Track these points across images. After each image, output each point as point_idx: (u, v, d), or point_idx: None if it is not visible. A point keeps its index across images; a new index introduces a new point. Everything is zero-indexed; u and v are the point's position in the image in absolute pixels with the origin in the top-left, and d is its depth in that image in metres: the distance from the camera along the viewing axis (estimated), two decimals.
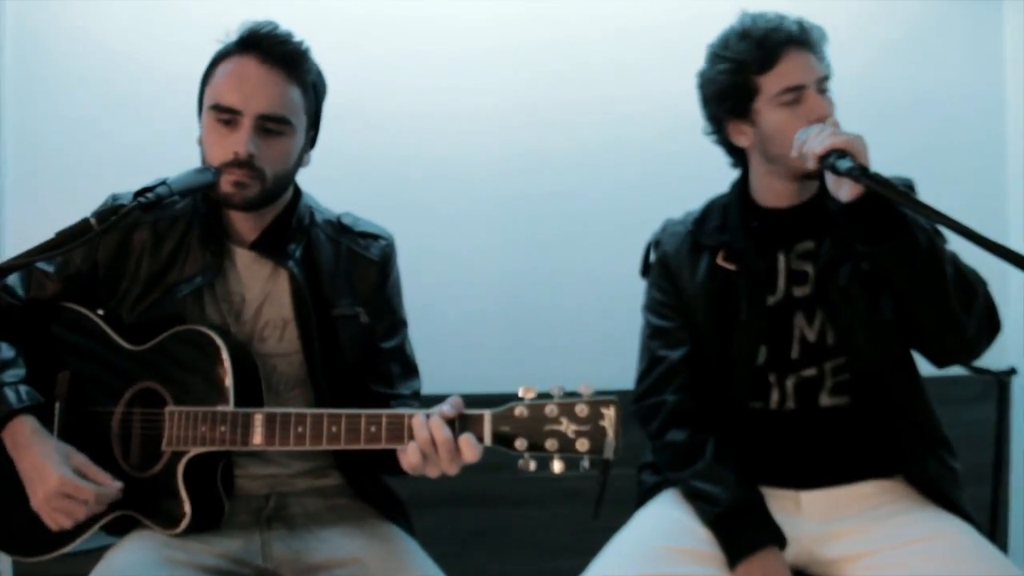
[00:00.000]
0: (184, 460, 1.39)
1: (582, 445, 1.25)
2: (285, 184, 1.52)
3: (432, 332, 2.29)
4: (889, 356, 1.54)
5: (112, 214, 1.20)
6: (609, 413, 1.25)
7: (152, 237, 1.51)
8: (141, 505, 1.43)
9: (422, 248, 2.28)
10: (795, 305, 1.60)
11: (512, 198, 2.39)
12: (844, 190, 1.39)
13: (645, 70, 2.37)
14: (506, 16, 2.35)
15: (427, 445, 1.26)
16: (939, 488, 1.51)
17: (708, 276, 1.64)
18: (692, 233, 1.69)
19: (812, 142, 1.41)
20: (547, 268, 2.40)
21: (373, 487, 1.59)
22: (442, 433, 1.26)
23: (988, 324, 1.46)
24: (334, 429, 1.33)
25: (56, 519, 1.37)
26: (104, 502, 1.38)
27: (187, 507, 1.39)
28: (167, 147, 2.11)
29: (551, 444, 1.25)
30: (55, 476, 1.35)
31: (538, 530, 2.32)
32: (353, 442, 1.33)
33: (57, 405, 1.48)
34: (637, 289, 1.77)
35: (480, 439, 1.27)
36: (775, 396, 1.60)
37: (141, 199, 1.25)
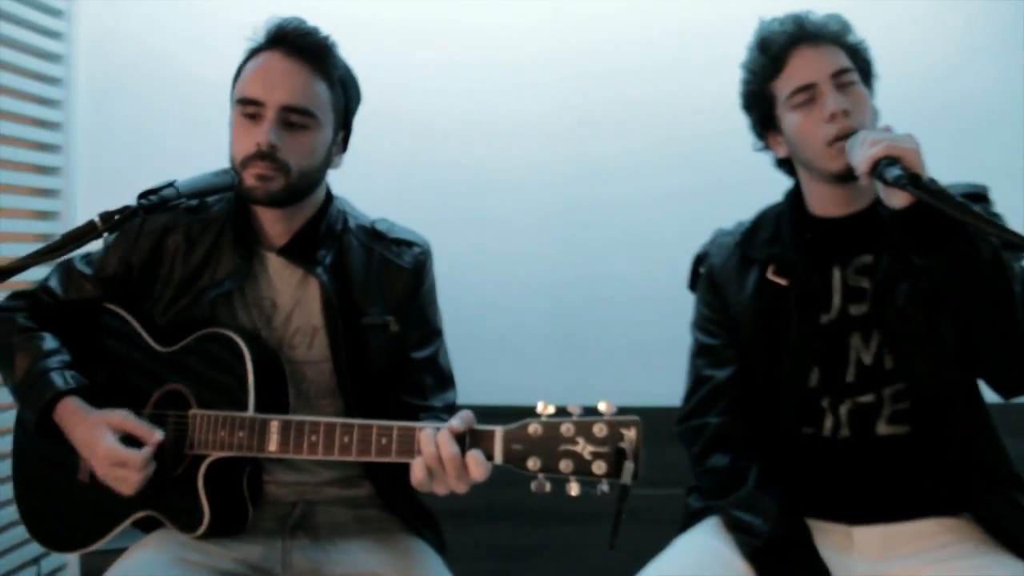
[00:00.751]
0: (205, 464, 1.39)
1: (599, 468, 1.18)
2: (312, 181, 1.49)
3: (479, 342, 2.29)
4: (951, 384, 1.40)
5: (117, 215, 1.20)
6: (629, 434, 1.18)
7: (185, 241, 1.52)
8: (164, 506, 1.43)
9: (469, 256, 2.29)
10: (851, 324, 1.48)
11: (560, 205, 2.33)
12: (895, 197, 1.27)
13: (695, 71, 2.26)
14: (551, 21, 2.29)
15: (433, 461, 1.22)
16: (1008, 529, 1.36)
17: (757, 291, 1.53)
18: (741, 245, 1.59)
19: (856, 154, 1.29)
20: (596, 276, 2.31)
21: (402, 499, 1.55)
22: (449, 449, 1.21)
23: None
24: (346, 440, 1.31)
25: (120, 488, 1.38)
26: (148, 459, 1.36)
27: (206, 510, 1.38)
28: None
29: (565, 465, 1.19)
30: (101, 449, 1.37)
31: (586, 550, 2.23)
32: (364, 454, 1.30)
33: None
34: (690, 299, 1.68)
35: (490, 457, 1.22)
36: (828, 422, 1.48)
37: (143, 201, 1.24)
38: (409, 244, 1.59)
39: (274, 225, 1.51)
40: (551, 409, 1.21)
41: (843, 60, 1.45)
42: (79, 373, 1.46)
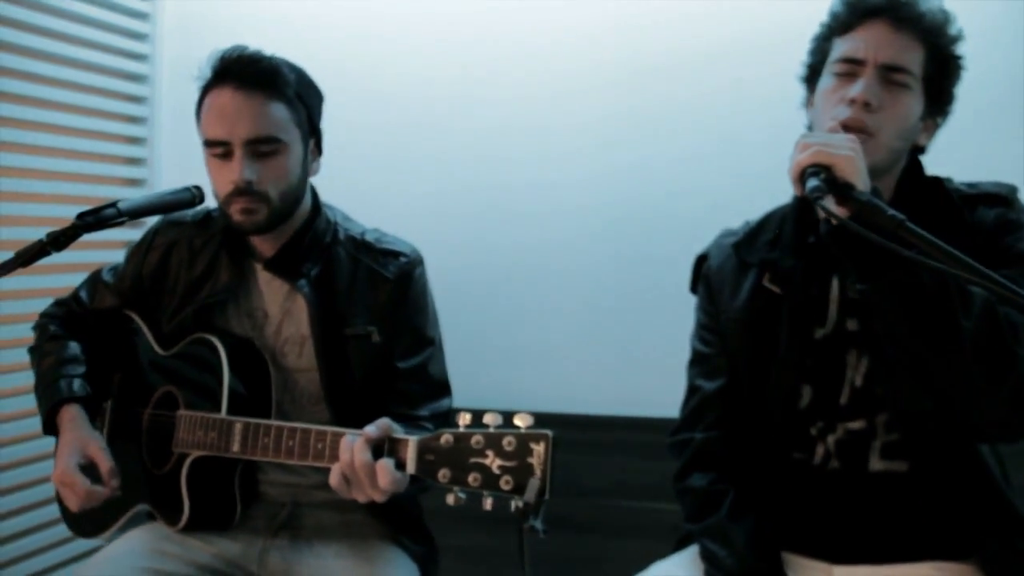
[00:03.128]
0: (187, 461, 1.47)
1: (506, 483, 1.14)
2: (295, 200, 1.54)
3: (513, 348, 2.28)
4: (941, 415, 1.22)
5: (62, 235, 1.29)
6: (539, 449, 1.13)
7: (188, 254, 1.62)
8: (155, 500, 1.53)
9: (504, 261, 2.29)
10: (848, 341, 1.33)
11: (611, 210, 2.25)
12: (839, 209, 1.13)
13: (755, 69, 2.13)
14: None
15: (348, 467, 1.23)
16: None
17: (750, 299, 1.41)
18: (738, 247, 1.47)
19: (792, 159, 1.15)
20: (642, 285, 2.22)
21: (391, 507, 1.55)
22: (361, 457, 1.21)
23: None
24: (290, 443, 1.35)
25: (66, 502, 1.49)
26: (94, 499, 1.46)
27: (186, 505, 1.46)
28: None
29: (474, 479, 1.15)
30: (60, 466, 1.48)
31: (631, 564, 2.14)
32: (304, 457, 1.33)
33: (109, 403, 1.65)
34: None
35: (402, 466, 1.20)
36: (820, 449, 1.34)
37: (78, 221, 1.31)
38: (396, 254, 1.60)
39: (262, 241, 1.57)
40: (468, 419, 1.18)
41: (909, 59, 1.27)
42: (93, 380, 1.59)
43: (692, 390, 1.49)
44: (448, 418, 1.62)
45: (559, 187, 2.26)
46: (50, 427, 1.57)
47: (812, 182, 1.07)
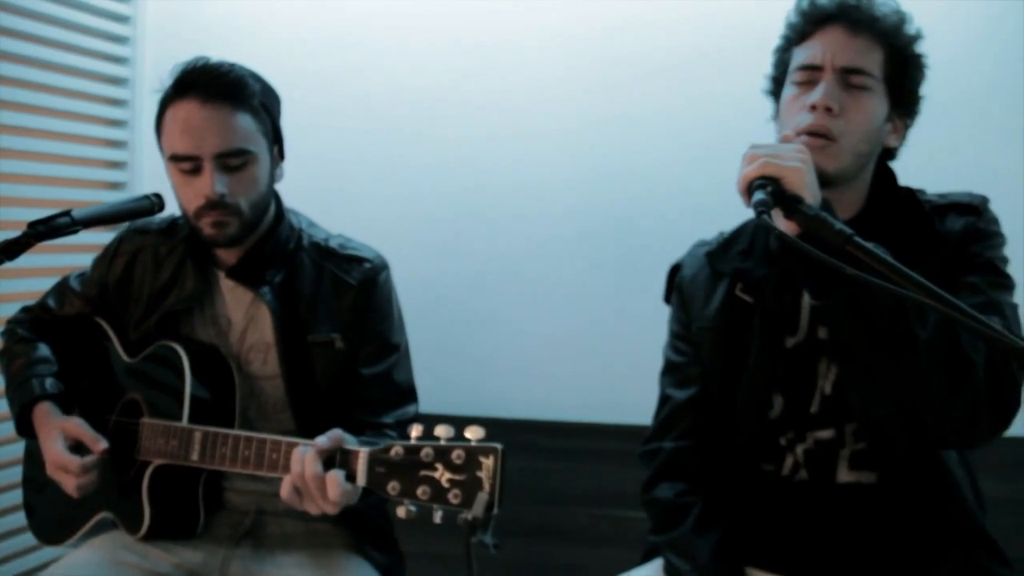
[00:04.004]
0: (149, 469, 1.46)
1: (455, 496, 1.12)
2: (263, 208, 1.53)
3: (506, 355, 2.27)
4: (902, 422, 1.19)
5: (13, 244, 1.26)
6: (487, 463, 1.11)
7: (153, 262, 1.60)
8: (116, 508, 1.52)
9: (496, 265, 2.27)
10: (819, 349, 1.30)
11: (593, 214, 2.24)
12: (786, 225, 1.11)
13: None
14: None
15: (298, 479, 1.21)
16: None
17: (723, 308, 1.39)
18: (711, 256, 1.45)
19: (741, 171, 1.12)
20: (621, 290, 2.19)
21: (357, 516, 1.54)
22: (311, 469, 1.19)
23: (993, 404, 1.10)
24: (247, 453, 1.34)
25: (66, 490, 1.48)
26: (89, 473, 1.45)
27: (147, 514, 1.45)
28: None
29: (423, 492, 1.13)
30: (50, 453, 1.47)
31: (610, 573, 2.11)
32: (259, 467, 1.32)
33: (76, 410, 1.63)
34: None
35: (353, 478, 1.19)
36: (789, 460, 1.31)
37: (29, 230, 1.28)
38: (360, 260, 1.58)
39: (225, 250, 1.55)
40: (419, 431, 1.16)
41: (867, 60, 1.25)
42: (63, 381, 1.58)
43: (663, 399, 1.48)
44: (408, 424, 1.59)
45: (539, 192, 2.25)
46: (24, 427, 1.56)
47: (757, 195, 1.04)
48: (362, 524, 1.56)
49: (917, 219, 1.28)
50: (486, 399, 2.22)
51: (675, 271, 1.52)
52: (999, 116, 1.95)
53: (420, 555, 1.77)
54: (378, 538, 1.58)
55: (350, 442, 1.23)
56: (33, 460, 1.68)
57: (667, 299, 1.54)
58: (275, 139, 1.54)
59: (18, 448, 1.59)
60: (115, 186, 2.42)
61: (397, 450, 1.16)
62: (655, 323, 1.57)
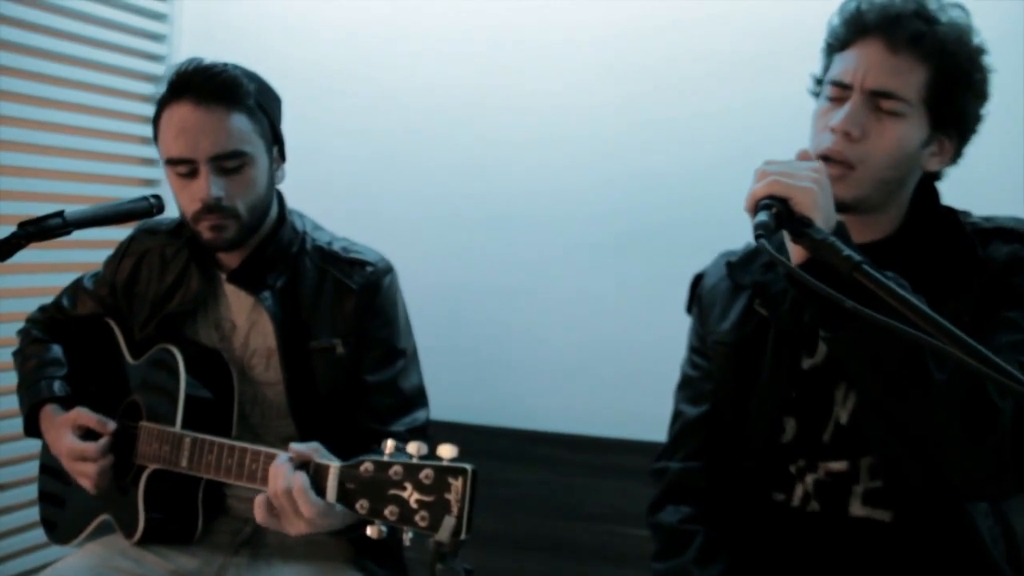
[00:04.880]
0: (145, 474, 1.44)
1: (421, 519, 1.06)
2: (263, 211, 1.49)
3: (525, 364, 2.20)
4: (918, 467, 1.07)
5: (4, 245, 1.24)
6: (456, 484, 1.04)
7: (160, 263, 1.59)
8: (115, 511, 1.51)
9: (519, 273, 2.21)
10: (838, 374, 1.20)
11: (629, 224, 2.14)
12: (793, 250, 1.02)
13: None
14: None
15: (273, 495, 1.17)
16: None
17: (740, 322, 1.30)
18: (731, 267, 1.35)
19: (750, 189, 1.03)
20: (646, 302, 2.09)
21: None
22: (281, 481, 1.15)
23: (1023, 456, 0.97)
24: (229, 462, 1.31)
25: (83, 482, 1.47)
26: (104, 456, 1.44)
27: (141, 518, 1.44)
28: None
29: (391, 511, 1.08)
30: (64, 447, 1.47)
31: None
32: (240, 478, 1.29)
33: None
34: None
35: (322, 494, 1.14)
36: (799, 489, 1.21)
37: (19, 231, 1.26)
38: (362, 264, 1.53)
39: (227, 253, 1.52)
40: (391, 447, 1.11)
41: (902, 83, 1.13)
42: (72, 383, 1.58)
43: (676, 415, 1.40)
44: (424, 433, 1.55)
45: (567, 197, 2.18)
46: (32, 428, 1.57)
47: (759, 216, 0.95)
48: (363, 537, 1.51)
49: (957, 242, 1.16)
50: (508, 410, 2.16)
51: (698, 280, 1.43)
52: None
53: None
54: (380, 552, 1.53)
55: (324, 455, 1.18)
56: (49, 461, 1.70)
57: (689, 309, 1.45)
58: (274, 140, 1.50)
59: (22, 447, 1.60)
60: (150, 183, 2.44)
61: (367, 467, 1.11)
62: (683, 336, 1.48)
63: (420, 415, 1.54)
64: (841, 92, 1.17)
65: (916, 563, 1.14)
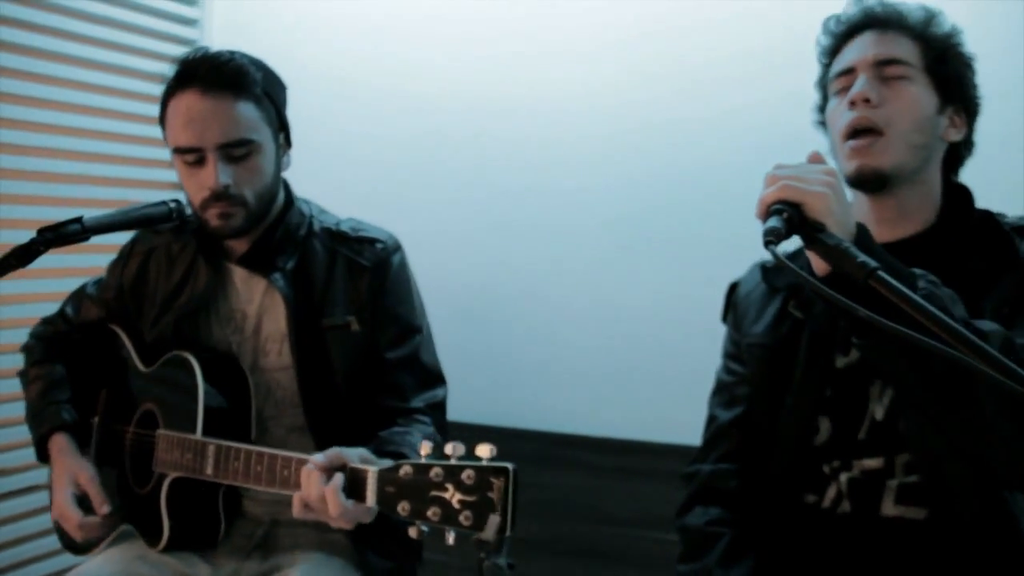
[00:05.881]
0: (167, 482, 1.43)
1: (466, 519, 1.06)
2: (270, 198, 1.49)
3: (554, 367, 2.20)
4: (962, 462, 1.08)
5: (24, 251, 1.24)
6: (499, 484, 1.04)
7: (166, 260, 1.58)
8: (137, 520, 1.50)
9: (547, 276, 2.21)
10: (872, 371, 1.21)
11: (659, 227, 2.13)
12: (813, 258, 1.02)
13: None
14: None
15: (307, 498, 1.17)
16: None
17: (774, 324, 1.31)
18: (765, 271, 1.37)
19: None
20: (677, 305, 2.08)
21: (373, 527, 1.46)
22: (315, 489, 1.16)
23: None
24: (258, 468, 1.30)
25: (68, 534, 1.50)
26: (89, 530, 1.47)
27: (166, 526, 1.42)
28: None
29: (433, 513, 1.08)
30: (57, 502, 1.49)
31: None
32: (271, 484, 1.28)
33: (95, 420, 1.62)
34: None
35: (363, 499, 1.13)
36: (832, 490, 1.22)
37: (38, 237, 1.26)
38: (372, 241, 1.54)
39: (235, 240, 1.51)
40: (428, 448, 1.10)
41: (899, 51, 1.22)
42: (79, 400, 1.59)
43: (709, 420, 1.42)
44: (443, 408, 1.56)
45: (597, 199, 2.17)
46: (42, 454, 1.57)
47: (770, 222, 0.94)
48: (377, 537, 1.47)
49: (994, 238, 1.19)
50: (536, 412, 2.16)
51: (732, 289, 1.45)
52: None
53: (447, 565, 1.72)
54: (383, 544, 1.49)
55: (355, 458, 1.18)
56: None
57: (724, 318, 1.46)
58: (280, 127, 1.51)
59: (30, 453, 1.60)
60: (180, 186, 2.42)
61: (407, 469, 1.11)
62: (712, 340, 1.49)
63: (439, 391, 1.55)
64: (847, 80, 1.24)
65: (952, 562, 1.13)
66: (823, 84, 1.33)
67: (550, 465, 2.10)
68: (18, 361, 1.71)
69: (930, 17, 1.25)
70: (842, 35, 1.28)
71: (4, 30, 2.01)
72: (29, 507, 2.11)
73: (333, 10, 2.41)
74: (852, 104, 1.18)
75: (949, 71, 1.23)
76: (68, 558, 2.08)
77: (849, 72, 1.23)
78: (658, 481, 2.00)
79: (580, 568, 2.09)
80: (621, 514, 2.06)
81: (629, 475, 2.06)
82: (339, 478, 1.15)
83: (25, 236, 1.26)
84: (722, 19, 2.04)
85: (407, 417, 1.47)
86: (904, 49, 1.21)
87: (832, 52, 1.29)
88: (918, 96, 1.20)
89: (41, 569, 2.13)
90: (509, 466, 1.03)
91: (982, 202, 1.27)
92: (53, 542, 2.05)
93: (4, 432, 2.06)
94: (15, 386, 1.70)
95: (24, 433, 1.67)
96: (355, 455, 1.19)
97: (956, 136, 1.25)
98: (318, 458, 1.17)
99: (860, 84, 1.19)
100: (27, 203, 2.10)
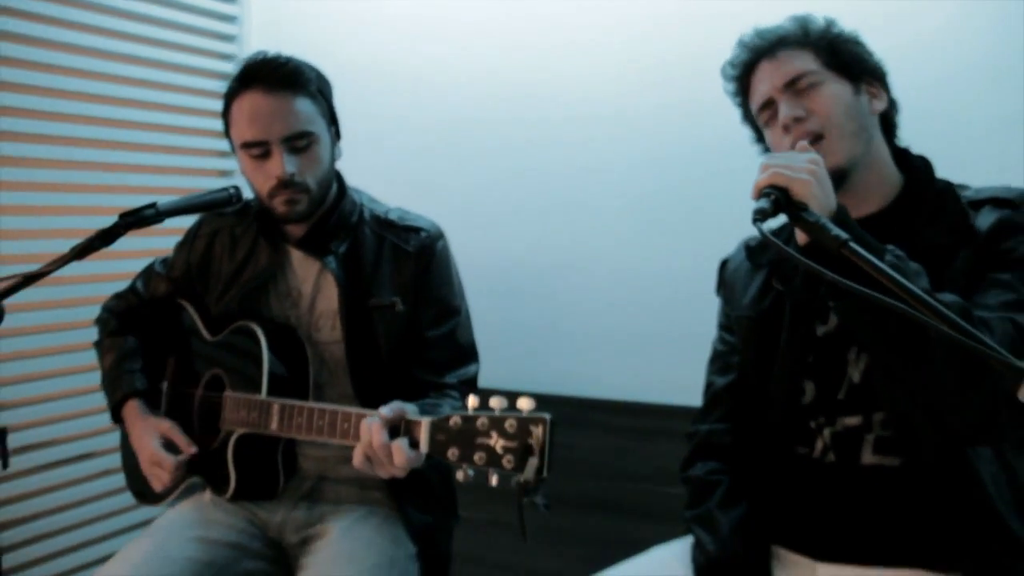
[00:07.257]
0: (233, 438, 1.60)
1: (508, 462, 1.21)
2: (328, 185, 1.65)
3: (576, 336, 2.34)
4: (922, 417, 1.22)
5: (108, 233, 1.41)
6: (537, 431, 1.20)
7: (230, 240, 1.75)
8: (206, 472, 1.67)
9: (566, 249, 2.35)
10: (849, 338, 1.35)
11: (679, 199, 2.25)
12: (797, 231, 1.18)
13: None
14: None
15: (368, 448, 1.32)
16: None
17: (758, 297, 1.46)
18: (749, 248, 1.53)
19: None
20: (691, 274, 2.15)
21: (411, 483, 1.54)
22: (378, 438, 1.30)
23: (1015, 403, 1.09)
24: (320, 423, 1.44)
25: (153, 482, 1.67)
26: (180, 469, 1.63)
27: (232, 477, 1.59)
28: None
29: (479, 457, 1.23)
30: (147, 450, 1.65)
31: None
32: (332, 436, 1.43)
33: (165, 385, 1.79)
34: None
35: (416, 445, 1.28)
36: (819, 443, 1.37)
37: (120, 221, 1.43)
38: (417, 230, 1.69)
39: (294, 225, 1.67)
40: (476, 402, 1.25)
41: (798, 65, 1.35)
42: (150, 367, 1.77)
43: (707, 386, 1.56)
44: (475, 384, 1.71)
45: (614, 176, 2.28)
46: (117, 416, 1.75)
47: (759, 203, 1.11)
48: (400, 485, 1.57)
49: (950, 213, 1.30)
50: (564, 378, 2.30)
51: (723, 265, 1.60)
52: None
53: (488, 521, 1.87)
54: (420, 498, 1.66)
55: (411, 412, 1.33)
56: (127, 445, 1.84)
57: (717, 291, 1.61)
58: (332, 120, 1.67)
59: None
60: (224, 173, 2.62)
61: (455, 420, 1.26)
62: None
63: (472, 368, 1.70)
64: (770, 111, 1.38)
65: (922, 505, 1.26)
66: (750, 119, 1.47)
67: (577, 427, 2.27)
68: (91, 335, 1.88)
69: (803, 23, 1.38)
70: (742, 76, 1.42)
71: (53, 30, 2.20)
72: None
73: (368, 7, 2.54)
74: (786, 129, 1.33)
75: (844, 56, 1.36)
76: (122, 519, 2.34)
77: (769, 103, 1.37)
78: (677, 440, 2.15)
79: (605, 521, 2.25)
80: (641, 471, 2.22)
81: (650, 435, 2.22)
82: (404, 437, 1.30)
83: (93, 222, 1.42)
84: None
85: (440, 390, 1.62)
86: (800, 61, 1.35)
87: (743, 92, 1.44)
88: (834, 91, 1.34)
89: (111, 525, 2.35)
90: (546, 416, 1.18)
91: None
92: (113, 503, 2.31)
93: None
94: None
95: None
96: (411, 409, 1.34)
97: (881, 105, 1.37)
98: (384, 411, 1.32)
99: (784, 109, 1.33)
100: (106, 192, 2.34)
